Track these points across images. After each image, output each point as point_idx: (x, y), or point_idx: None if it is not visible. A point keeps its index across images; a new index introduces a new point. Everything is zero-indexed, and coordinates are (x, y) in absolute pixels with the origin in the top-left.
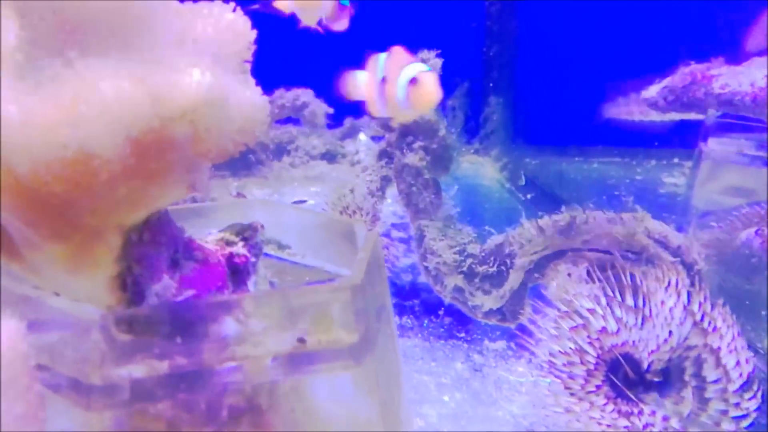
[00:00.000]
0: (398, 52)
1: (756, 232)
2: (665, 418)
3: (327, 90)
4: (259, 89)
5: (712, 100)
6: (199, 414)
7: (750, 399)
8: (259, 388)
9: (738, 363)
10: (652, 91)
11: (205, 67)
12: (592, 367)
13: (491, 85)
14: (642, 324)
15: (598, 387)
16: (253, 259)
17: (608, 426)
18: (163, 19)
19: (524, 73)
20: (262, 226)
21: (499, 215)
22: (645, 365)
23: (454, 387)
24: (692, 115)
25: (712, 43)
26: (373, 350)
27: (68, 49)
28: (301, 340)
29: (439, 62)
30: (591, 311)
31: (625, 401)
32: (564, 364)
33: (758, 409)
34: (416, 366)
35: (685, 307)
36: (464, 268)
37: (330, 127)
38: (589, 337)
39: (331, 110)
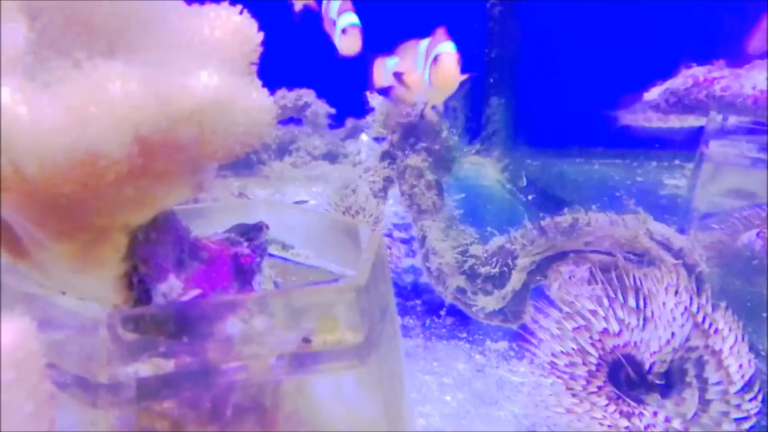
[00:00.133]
0: (440, 34)
1: (757, 234)
2: (667, 419)
3: (329, 90)
4: (265, 91)
5: (714, 102)
6: (204, 412)
7: (751, 400)
8: (264, 387)
9: (740, 365)
10: (654, 93)
11: (213, 69)
12: (593, 368)
13: (493, 86)
14: (644, 325)
15: (599, 388)
16: (258, 259)
17: (610, 426)
18: (171, 21)
19: (526, 75)
20: (267, 227)
21: (500, 216)
22: (647, 366)
23: (456, 387)
24: (702, 121)
25: (714, 46)
26: (377, 350)
27: (77, 51)
28: (306, 340)
29: None
30: (593, 312)
31: (627, 402)
32: (566, 365)
33: (759, 411)
34: (418, 366)
35: (686, 309)
36: (466, 269)
37: (332, 127)
38: (591, 338)
39: (333, 110)
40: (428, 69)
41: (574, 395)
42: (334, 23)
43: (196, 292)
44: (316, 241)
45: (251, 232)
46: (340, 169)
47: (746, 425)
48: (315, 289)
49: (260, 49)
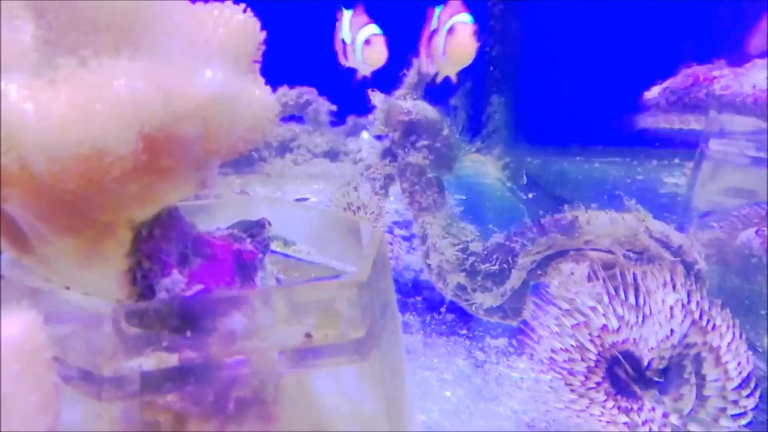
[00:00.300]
0: (455, 4)
1: (756, 232)
2: (665, 415)
3: (330, 88)
4: (268, 88)
5: (714, 101)
6: (207, 406)
7: (748, 397)
8: (266, 382)
9: (737, 362)
10: (654, 91)
11: (217, 66)
12: (592, 364)
13: (493, 84)
14: (642, 322)
15: (598, 384)
16: (260, 256)
17: (608, 422)
18: (175, 19)
19: (526, 73)
20: (269, 223)
21: (500, 214)
22: (645, 363)
23: (455, 383)
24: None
25: (714, 45)
26: (378, 345)
27: (82, 49)
28: (308, 335)
29: None
30: (592, 309)
31: (625, 398)
32: (565, 361)
33: (756, 407)
34: (418, 362)
35: (684, 306)
36: (467, 266)
37: (333, 124)
38: (590, 334)
39: (334, 107)
40: (443, 39)
41: (572, 391)
42: (345, 45)
43: (199, 287)
44: (318, 238)
45: (254, 228)
46: (341, 166)
47: (743, 422)
48: (317, 285)
49: (263, 47)
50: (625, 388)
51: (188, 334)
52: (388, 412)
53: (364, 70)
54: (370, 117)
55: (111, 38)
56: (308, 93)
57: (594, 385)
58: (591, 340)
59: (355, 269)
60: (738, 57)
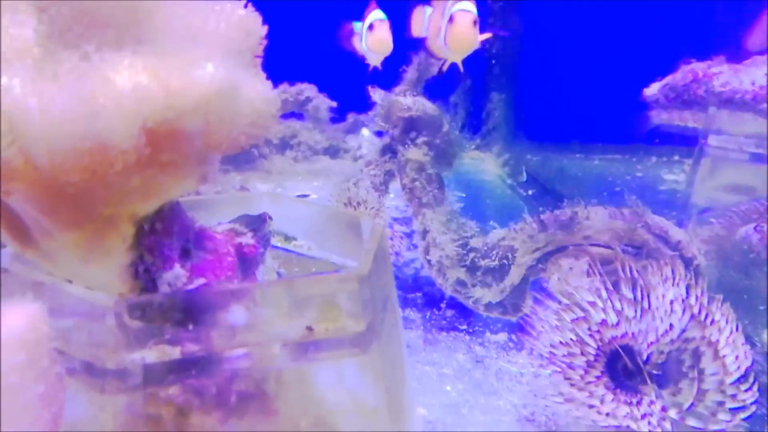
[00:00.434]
0: None
1: (755, 228)
2: (664, 409)
3: (330, 85)
4: (269, 83)
5: (713, 98)
6: (209, 399)
7: (746, 391)
8: (267, 375)
9: (736, 356)
10: (654, 88)
11: (218, 61)
12: (592, 358)
13: (493, 81)
14: (641, 316)
15: (597, 378)
16: (261, 250)
17: (607, 415)
18: (176, 14)
19: (526, 70)
20: (270, 218)
21: (500, 211)
22: (644, 357)
23: (455, 377)
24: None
25: (714, 42)
26: (378, 339)
27: (85, 43)
28: (309, 328)
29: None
30: (591, 304)
31: (625, 392)
32: (564, 355)
33: (756, 401)
34: (419, 357)
35: (683, 301)
36: (467, 262)
37: (333, 121)
38: (589, 329)
39: (334, 104)
40: (444, 28)
41: (572, 385)
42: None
43: (201, 281)
44: (318, 233)
45: (255, 223)
46: (341, 163)
47: (742, 415)
48: (318, 279)
49: (264, 42)
50: (624, 383)
51: (190, 327)
52: (389, 405)
53: (373, 59)
54: (370, 113)
55: (113, 33)
56: (308, 90)
57: (593, 379)
58: (590, 335)
59: (355, 264)
60: (737, 54)
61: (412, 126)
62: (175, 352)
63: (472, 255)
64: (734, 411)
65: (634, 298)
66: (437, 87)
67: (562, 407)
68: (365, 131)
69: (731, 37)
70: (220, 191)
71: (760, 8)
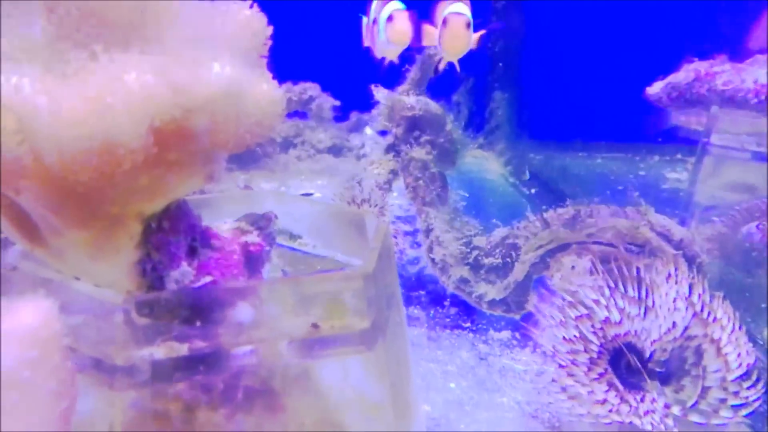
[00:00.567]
0: None
1: (757, 226)
2: (666, 406)
3: (333, 84)
4: (275, 83)
5: (715, 96)
6: (216, 395)
7: (749, 388)
8: (274, 371)
9: (738, 353)
10: (656, 87)
11: (225, 61)
12: (595, 355)
13: (496, 80)
14: (644, 314)
15: (600, 375)
16: (267, 248)
17: (610, 411)
18: (183, 14)
19: (529, 69)
20: (276, 216)
21: (503, 210)
22: (647, 354)
23: (459, 375)
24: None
25: (716, 41)
26: (384, 336)
27: (93, 43)
28: (315, 326)
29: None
30: (595, 301)
31: (628, 389)
32: (568, 352)
33: (758, 398)
34: (423, 354)
35: (686, 298)
36: (470, 260)
37: (336, 120)
38: (592, 326)
39: (337, 103)
40: (438, 30)
41: (576, 382)
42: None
43: (207, 279)
44: (323, 231)
45: (261, 221)
46: (345, 162)
47: (744, 412)
48: (324, 277)
49: (269, 42)
50: (627, 380)
51: (198, 324)
52: (394, 401)
53: (390, 52)
54: (374, 112)
55: (120, 33)
56: (312, 89)
57: (596, 376)
58: (593, 332)
59: (360, 262)
60: (739, 53)
61: (415, 125)
62: (182, 349)
63: (475, 253)
64: (736, 408)
65: (638, 296)
66: (440, 86)
67: (565, 404)
68: (368, 130)
69: (733, 36)
70: (223, 190)
71: (761, 8)
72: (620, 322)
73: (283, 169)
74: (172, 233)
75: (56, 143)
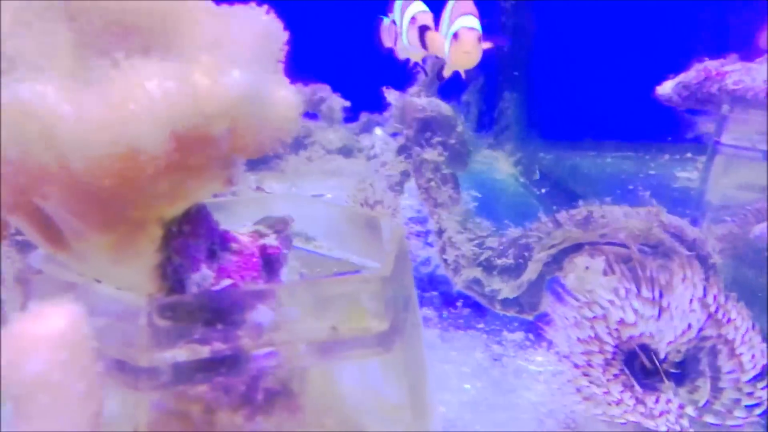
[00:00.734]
0: (464, 4)
1: None
2: (681, 406)
3: (344, 85)
4: (293, 88)
5: (726, 95)
6: (237, 396)
7: (763, 388)
8: (293, 373)
9: (752, 354)
10: (667, 87)
11: (244, 67)
12: (610, 356)
13: (505, 80)
14: (659, 316)
15: (615, 375)
16: (284, 251)
17: (625, 412)
18: (202, 21)
19: (538, 69)
20: (293, 219)
21: (514, 209)
22: (662, 356)
23: (474, 375)
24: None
25: (726, 40)
26: (401, 338)
27: (114, 50)
28: (334, 328)
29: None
30: (610, 302)
31: (643, 390)
32: (583, 353)
33: None
34: (436, 355)
35: (700, 299)
36: (483, 261)
37: (346, 120)
38: (607, 327)
39: (347, 103)
40: (448, 42)
41: (591, 383)
42: (397, 33)
43: (227, 282)
44: (338, 233)
45: (278, 224)
46: (355, 163)
47: (758, 411)
48: (342, 280)
49: (286, 48)
50: (642, 381)
51: (219, 326)
52: (412, 403)
53: (414, 54)
54: (386, 114)
55: (141, 40)
56: (322, 90)
57: (611, 377)
58: (608, 333)
59: (375, 264)
60: (750, 52)
61: (426, 126)
62: (204, 351)
63: (488, 254)
64: (750, 408)
65: (653, 297)
66: (450, 86)
67: (580, 405)
68: (378, 131)
69: (744, 36)
70: (235, 192)
71: None
72: (635, 324)
73: (294, 170)
74: (192, 237)
75: (81, 149)
